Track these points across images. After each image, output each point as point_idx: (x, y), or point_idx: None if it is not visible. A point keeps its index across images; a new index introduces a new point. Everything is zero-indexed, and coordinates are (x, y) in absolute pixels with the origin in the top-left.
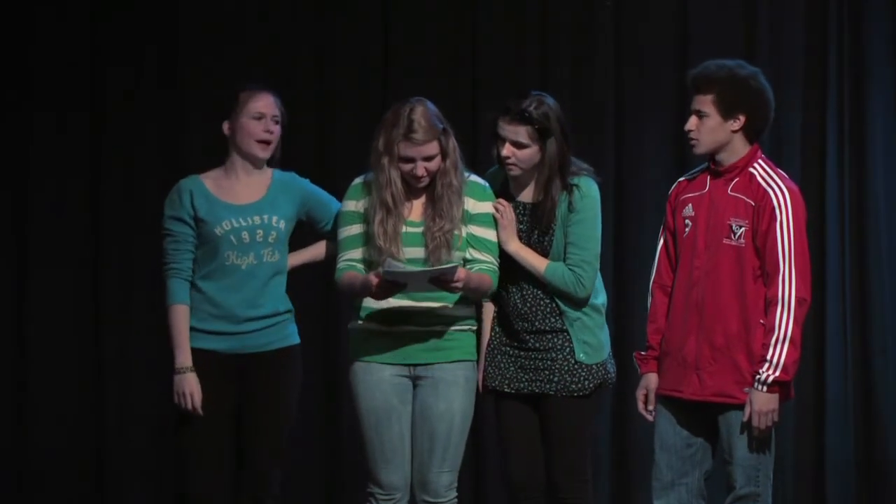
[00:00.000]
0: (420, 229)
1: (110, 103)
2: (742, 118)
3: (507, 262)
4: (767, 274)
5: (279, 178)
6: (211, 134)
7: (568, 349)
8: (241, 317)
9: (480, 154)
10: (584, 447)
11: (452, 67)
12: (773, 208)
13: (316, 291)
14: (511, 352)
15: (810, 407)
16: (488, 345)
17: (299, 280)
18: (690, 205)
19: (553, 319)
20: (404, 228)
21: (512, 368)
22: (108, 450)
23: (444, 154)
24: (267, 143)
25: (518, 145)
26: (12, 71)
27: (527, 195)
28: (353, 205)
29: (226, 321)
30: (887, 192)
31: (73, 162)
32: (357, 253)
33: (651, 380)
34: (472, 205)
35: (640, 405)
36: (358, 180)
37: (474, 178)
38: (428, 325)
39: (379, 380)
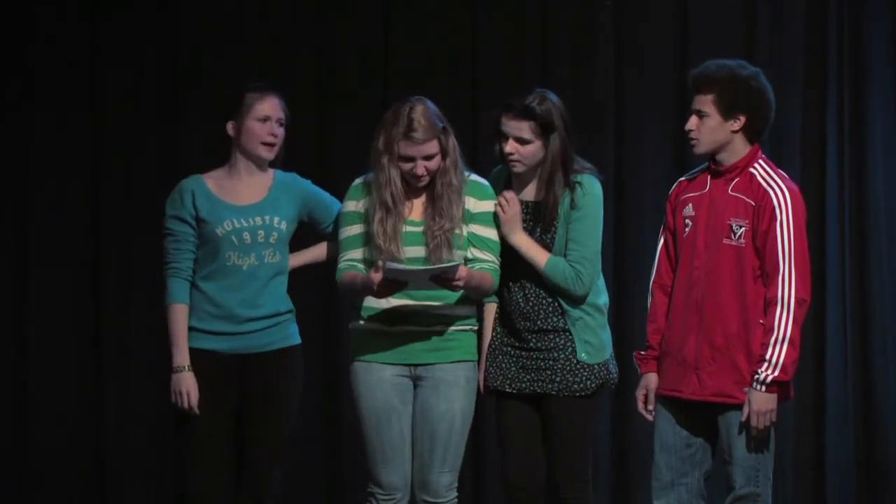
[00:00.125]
0: (420, 228)
1: (110, 103)
2: (742, 118)
3: (510, 261)
4: (767, 274)
5: (281, 179)
6: (211, 134)
7: (570, 349)
8: (242, 317)
9: (480, 154)
10: (586, 447)
11: (452, 67)
12: (774, 208)
13: (317, 291)
14: (512, 352)
15: (810, 407)
16: (490, 345)
17: (300, 280)
18: (691, 204)
19: (555, 319)
20: (404, 228)
21: (513, 368)
22: (108, 450)
23: (444, 153)
24: (271, 145)
25: (521, 141)
26: (12, 71)
27: (529, 193)
28: (353, 205)
29: (226, 321)
30: (887, 192)
31: (73, 162)
32: (358, 253)
33: (651, 380)
34: (473, 204)
35: (640, 405)
36: (358, 181)
37: (475, 177)
38: (429, 325)
39: (380, 380)
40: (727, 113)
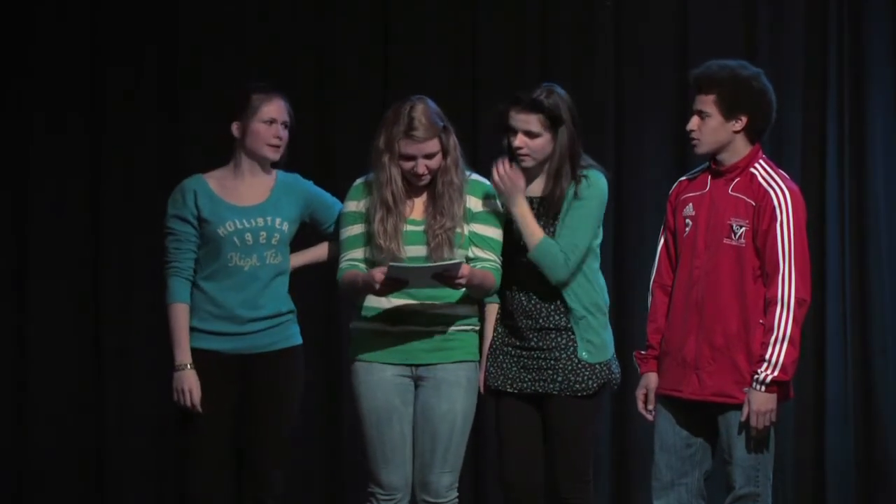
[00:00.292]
0: (421, 227)
1: (110, 103)
2: (744, 119)
3: (512, 260)
4: (767, 274)
5: (283, 180)
6: (211, 134)
7: (571, 348)
8: (244, 317)
9: (481, 153)
10: (587, 447)
11: (452, 67)
12: (774, 208)
13: (317, 292)
14: (514, 352)
15: (810, 407)
16: (491, 345)
17: (301, 280)
18: (691, 204)
19: (558, 317)
20: (405, 227)
21: (514, 368)
22: (108, 450)
23: (444, 152)
24: (276, 146)
25: (530, 134)
26: (12, 71)
27: (536, 189)
28: (354, 205)
29: (228, 322)
30: (887, 192)
31: (73, 162)
32: (359, 253)
33: (651, 379)
34: (475, 203)
35: (640, 405)
36: (359, 181)
37: (476, 176)
38: (430, 325)
39: (380, 380)
40: (728, 113)
